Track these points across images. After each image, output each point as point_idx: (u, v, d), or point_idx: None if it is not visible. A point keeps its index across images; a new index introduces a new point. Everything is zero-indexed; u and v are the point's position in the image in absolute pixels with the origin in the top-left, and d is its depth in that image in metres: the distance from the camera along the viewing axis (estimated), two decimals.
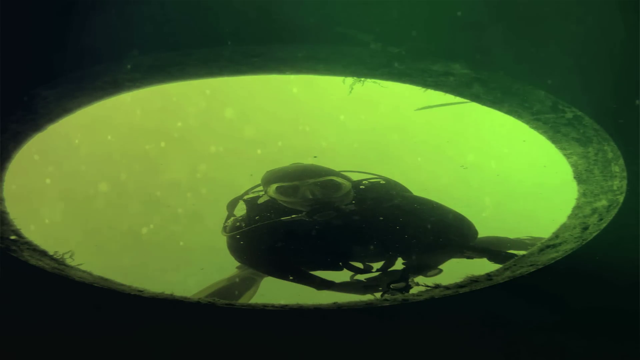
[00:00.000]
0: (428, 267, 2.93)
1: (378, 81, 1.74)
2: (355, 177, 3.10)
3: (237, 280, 3.77)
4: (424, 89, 1.73)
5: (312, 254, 3.04)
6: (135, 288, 1.66)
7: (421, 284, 2.13)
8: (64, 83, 1.49)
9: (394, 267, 3.04)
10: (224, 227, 3.15)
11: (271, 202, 3.00)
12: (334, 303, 1.67)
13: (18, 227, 1.69)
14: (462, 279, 1.73)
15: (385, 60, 1.54)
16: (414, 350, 1.61)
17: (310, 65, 1.61)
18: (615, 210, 1.64)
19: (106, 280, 1.70)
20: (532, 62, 1.52)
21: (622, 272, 1.67)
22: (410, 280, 2.75)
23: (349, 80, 1.79)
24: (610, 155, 1.63)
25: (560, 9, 1.48)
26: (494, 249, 2.97)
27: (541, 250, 1.78)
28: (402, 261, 3.02)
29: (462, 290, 1.67)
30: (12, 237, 1.64)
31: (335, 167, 3.02)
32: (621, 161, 1.59)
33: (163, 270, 9.03)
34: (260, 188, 3.12)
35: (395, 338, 1.62)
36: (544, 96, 1.55)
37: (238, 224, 3.08)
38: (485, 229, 3.26)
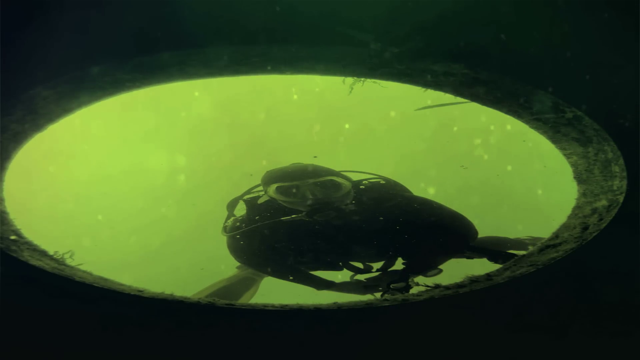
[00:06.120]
0: (428, 267, 2.93)
1: (378, 81, 1.74)
2: (355, 177, 3.10)
3: (237, 280, 3.77)
4: (424, 89, 1.73)
5: (312, 254, 3.04)
6: (135, 288, 1.66)
7: (421, 284, 2.13)
8: (64, 83, 1.49)
9: (394, 267, 3.04)
10: (224, 227, 3.15)
11: (271, 202, 3.00)
12: (334, 303, 1.67)
13: (18, 227, 1.69)
14: (462, 279, 1.73)
15: (385, 60, 1.54)
16: (414, 350, 1.61)
17: (310, 65, 1.61)
18: (615, 210, 1.64)
19: (106, 280, 1.70)
20: (531, 62, 1.52)
21: (622, 272, 1.67)
22: (410, 280, 2.75)
23: (349, 80, 1.79)
24: (610, 155, 1.63)
25: (560, 9, 1.49)
26: (494, 249, 2.97)
27: (541, 250, 1.78)
28: (402, 261, 3.02)
29: (462, 290, 1.67)
30: (12, 237, 1.64)
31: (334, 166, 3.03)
32: (621, 161, 1.59)
33: (163, 269, 9.03)
34: (260, 188, 3.12)
35: (395, 338, 1.62)
36: (544, 96, 1.55)
37: (238, 224, 3.08)
38: (485, 229, 3.26)
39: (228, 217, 3.24)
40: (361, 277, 3.07)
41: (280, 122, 10.63)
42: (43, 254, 1.69)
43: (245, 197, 3.21)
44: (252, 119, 10.58)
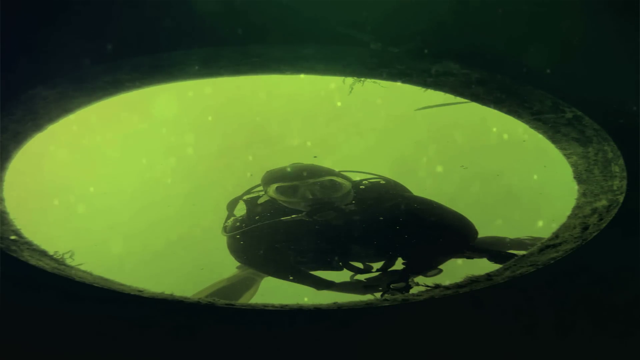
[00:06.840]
0: (428, 267, 2.93)
1: (378, 81, 1.74)
2: (355, 177, 3.10)
3: (237, 280, 3.77)
4: (424, 89, 1.73)
5: (312, 254, 3.04)
6: (135, 288, 1.66)
7: (421, 284, 2.13)
8: (64, 83, 1.49)
9: (394, 267, 3.04)
10: (224, 227, 3.16)
11: (271, 202, 3.00)
12: (334, 303, 1.67)
13: (18, 227, 1.69)
14: (462, 279, 1.73)
15: (385, 60, 1.54)
16: (414, 350, 1.61)
17: (310, 65, 1.61)
18: (615, 210, 1.64)
19: (106, 280, 1.70)
20: (532, 62, 1.52)
21: (622, 272, 1.67)
22: (410, 280, 2.75)
23: (349, 80, 1.79)
24: (610, 155, 1.63)
25: (560, 9, 1.49)
26: (494, 249, 2.97)
27: (541, 250, 1.78)
28: (402, 261, 3.02)
29: (462, 290, 1.67)
30: (12, 237, 1.64)
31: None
32: (621, 161, 1.59)
33: (163, 270, 9.04)
34: (260, 188, 3.12)
35: (395, 338, 1.62)
36: (544, 96, 1.55)
37: (238, 224, 3.08)
38: (485, 229, 3.26)
39: (228, 217, 3.24)
40: (361, 277, 3.07)
41: (279, 122, 10.64)
42: (43, 254, 1.68)
43: (245, 197, 3.22)
44: (252, 119, 10.59)
